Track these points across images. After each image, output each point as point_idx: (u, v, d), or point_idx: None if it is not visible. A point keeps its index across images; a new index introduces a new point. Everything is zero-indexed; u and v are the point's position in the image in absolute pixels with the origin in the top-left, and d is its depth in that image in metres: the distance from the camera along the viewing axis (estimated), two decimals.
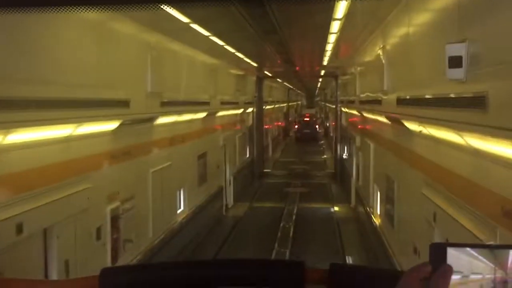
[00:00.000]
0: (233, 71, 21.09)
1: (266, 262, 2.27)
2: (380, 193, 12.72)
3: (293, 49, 18.78)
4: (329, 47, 17.04)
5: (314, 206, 21.58)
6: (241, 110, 23.17)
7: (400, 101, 8.20)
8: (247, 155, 27.30)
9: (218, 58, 17.32)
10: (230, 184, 20.83)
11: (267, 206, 21.93)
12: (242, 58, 19.65)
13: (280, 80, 37.04)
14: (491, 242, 3.19)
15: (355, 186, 19.65)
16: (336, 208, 21.20)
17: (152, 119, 10.36)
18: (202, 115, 15.03)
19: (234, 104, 20.81)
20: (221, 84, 17.90)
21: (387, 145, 11.03)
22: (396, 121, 8.82)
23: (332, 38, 14.66)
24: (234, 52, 17.27)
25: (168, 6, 5.44)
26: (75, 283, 1.99)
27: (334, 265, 1.77)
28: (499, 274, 1.16)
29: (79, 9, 1.79)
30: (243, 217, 19.65)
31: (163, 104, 10.54)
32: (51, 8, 1.77)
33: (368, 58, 13.36)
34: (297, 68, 24.84)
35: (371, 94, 12.33)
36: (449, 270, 1.14)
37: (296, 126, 55.53)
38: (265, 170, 31.19)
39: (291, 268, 1.84)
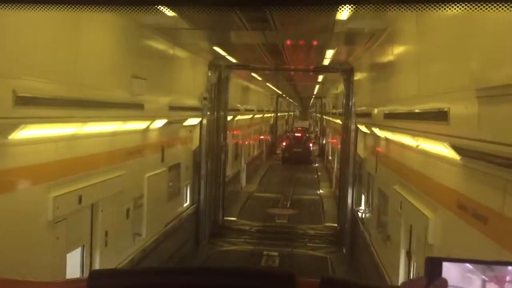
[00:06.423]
0: (127, 31, 9.15)
1: (258, 272, 2.08)
2: None
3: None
4: None
5: None
6: (159, 123, 11.18)
7: None
8: (186, 203, 15.26)
9: None
10: None
11: None
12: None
13: (260, 78, 24.86)
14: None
15: None
16: None
17: None
18: None
19: (125, 109, 8.84)
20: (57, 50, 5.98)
21: None
22: None
23: None
24: None
25: (165, 8, 4.91)
26: (65, 285, 2.02)
27: (326, 277, 1.75)
28: None
29: (72, 8, 1.78)
30: None
31: None
32: (41, 6, 1.80)
33: None
34: (287, 42, 12.79)
35: None
36: (444, 284, 1.18)
37: (284, 143, 43.09)
38: (226, 219, 19.11)
39: (282, 279, 1.79)
